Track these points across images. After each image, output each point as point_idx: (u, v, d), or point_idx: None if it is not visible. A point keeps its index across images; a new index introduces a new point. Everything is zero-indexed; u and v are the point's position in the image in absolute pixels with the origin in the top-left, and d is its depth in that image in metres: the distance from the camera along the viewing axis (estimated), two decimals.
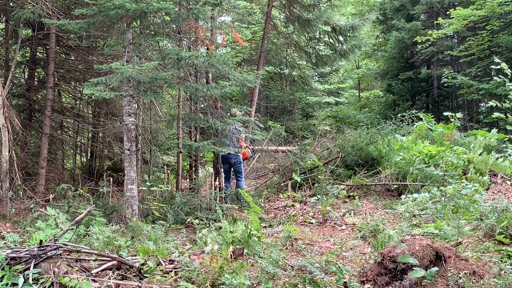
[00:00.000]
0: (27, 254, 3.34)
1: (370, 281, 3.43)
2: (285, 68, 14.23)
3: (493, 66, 7.11)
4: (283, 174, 9.08)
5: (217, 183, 7.36)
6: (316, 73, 19.18)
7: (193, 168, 9.42)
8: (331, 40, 11.01)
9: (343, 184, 8.00)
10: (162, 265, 3.92)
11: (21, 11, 6.53)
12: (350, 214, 6.52)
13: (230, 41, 12.64)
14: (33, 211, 5.94)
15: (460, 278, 3.24)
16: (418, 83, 17.97)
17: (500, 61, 6.78)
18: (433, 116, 11.84)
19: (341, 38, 10.96)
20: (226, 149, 6.80)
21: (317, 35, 11.20)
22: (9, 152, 6.31)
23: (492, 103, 6.95)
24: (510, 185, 7.34)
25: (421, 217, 5.85)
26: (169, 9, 5.62)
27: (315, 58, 11.30)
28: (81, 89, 9.31)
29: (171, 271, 3.81)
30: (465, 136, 10.40)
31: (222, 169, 7.86)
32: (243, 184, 7.92)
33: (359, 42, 11.07)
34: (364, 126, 10.51)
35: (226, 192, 7.43)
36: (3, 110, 6.32)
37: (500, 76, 7.03)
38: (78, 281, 3.17)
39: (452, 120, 9.69)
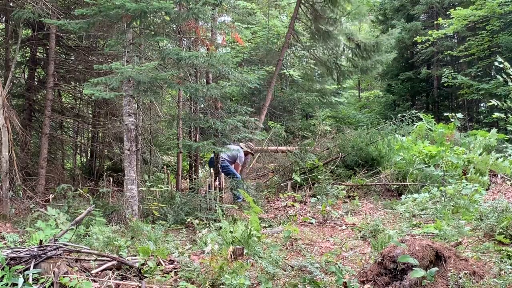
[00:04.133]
0: (27, 254, 3.34)
1: (370, 281, 3.43)
2: (285, 68, 14.22)
3: (496, 64, 7.11)
4: (283, 174, 9.08)
5: (217, 183, 7.36)
6: (317, 73, 19.13)
7: (193, 168, 9.43)
8: (353, 56, 11.02)
9: (343, 184, 8.00)
10: (162, 265, 3.92)
11: (21, 11, 6.52)
12: (350, 214, 6.52)
13: (230, 41, 12.64)
14: (33, 211, 5.93)
15: (460, 278, 3.24)
16: (418, 83, 17.96)
17: (503, 61, 6.78)
18: (433, 116, 11.83)
19: (364, 54, 10.96)
20: (225, 149, 6.87)
21: (339, 51, 11.25)
22: (9, 152, 6.30)
23: (493, 102, 6.95)
24: (510, 185, 7.34)
25: (421, 217, 5.85)
26: (169, 9, 5.63)
27: (336, 74, 11.31)
28: (81, 89, 9.30)
29: (171, 271, 3.82)
30: (465, 136, 10.40)
31: (221, 169, 7.88)
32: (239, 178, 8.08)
33: (382, 58, 11.03)
34: (364, 126, 10.50)
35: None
36: (3, 110, 6.31)
37: (503, 75, 7.03)
38: (78, 281, 3.17)
39: (452, 120, 9.68)
